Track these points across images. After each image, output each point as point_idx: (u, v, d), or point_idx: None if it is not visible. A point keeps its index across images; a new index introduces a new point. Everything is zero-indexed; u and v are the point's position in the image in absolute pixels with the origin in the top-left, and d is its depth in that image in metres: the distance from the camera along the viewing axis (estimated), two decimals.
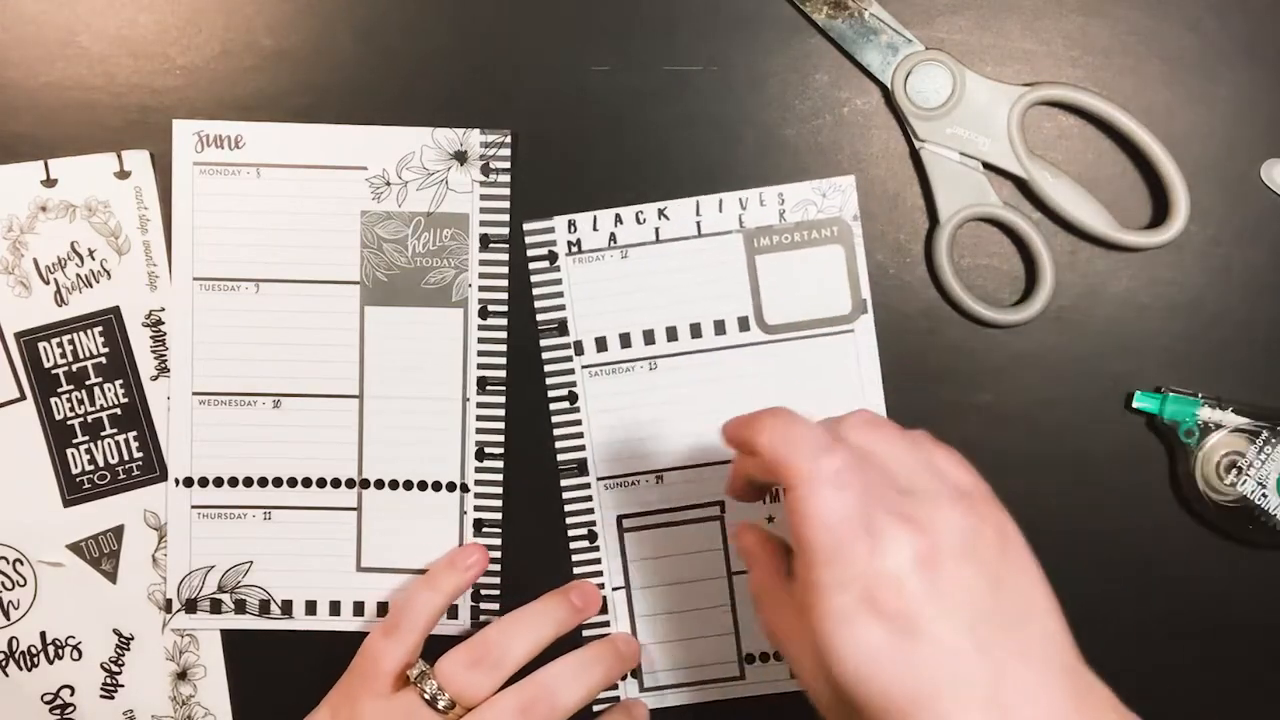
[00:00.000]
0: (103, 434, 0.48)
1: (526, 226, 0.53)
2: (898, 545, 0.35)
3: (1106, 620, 0.53)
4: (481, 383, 0.53)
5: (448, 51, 0.53)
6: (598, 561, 0.53)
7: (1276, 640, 0.53)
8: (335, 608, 0.54)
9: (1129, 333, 0.53)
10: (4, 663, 0.49)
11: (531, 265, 0.53)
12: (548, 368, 0.53)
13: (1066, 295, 0.53)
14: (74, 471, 0.48)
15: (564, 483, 0.53)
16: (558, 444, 0.53)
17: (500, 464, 0.53)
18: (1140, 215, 0.53)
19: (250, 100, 0.53)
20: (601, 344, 0.53)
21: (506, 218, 0.53)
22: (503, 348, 0.53)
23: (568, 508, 0.53)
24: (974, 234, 0.53)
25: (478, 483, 0.53)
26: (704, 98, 0.53)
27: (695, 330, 0.53)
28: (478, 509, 0.54)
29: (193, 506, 0.53)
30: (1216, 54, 0.52)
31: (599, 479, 0.53)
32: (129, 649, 0.50)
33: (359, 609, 0.54)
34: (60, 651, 0.49)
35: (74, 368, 0.48)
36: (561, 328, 0.53)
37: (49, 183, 0.48)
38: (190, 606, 0.54)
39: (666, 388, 0.53)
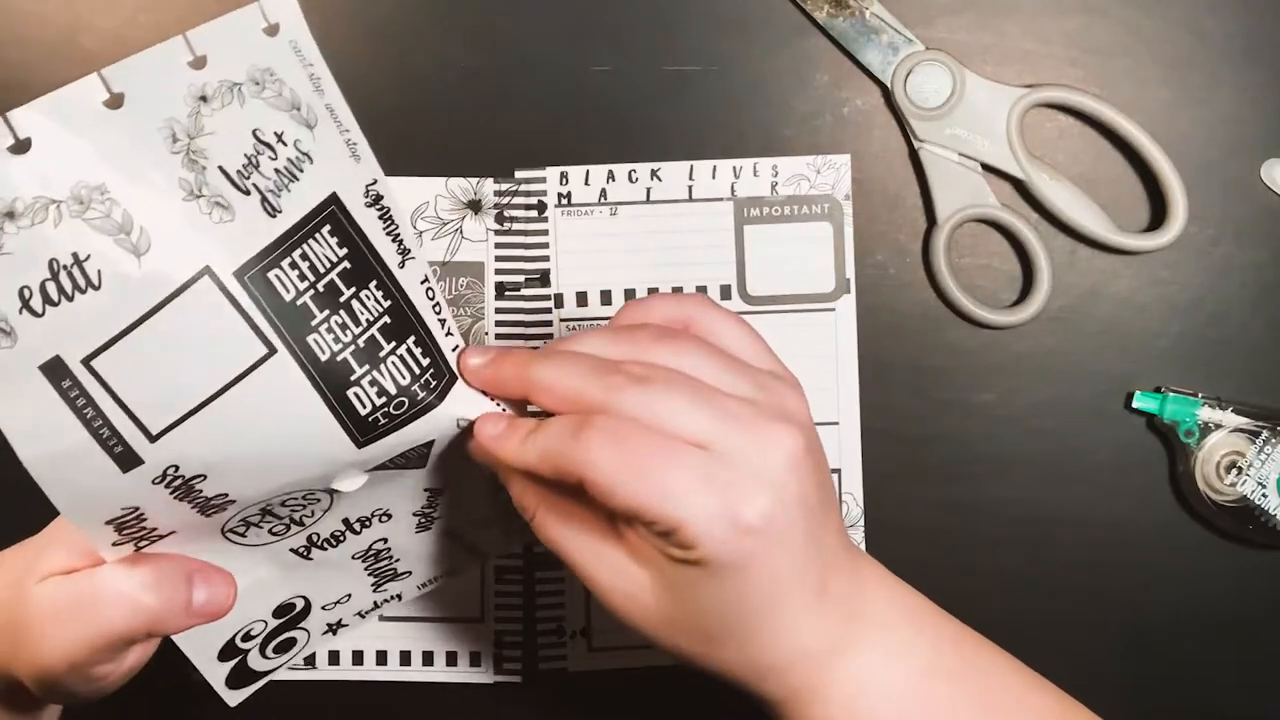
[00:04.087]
0: (381, 355, 0.35)
1: (518, 174, 0.53)
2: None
3: (1106, 620, 0.53)
4: None
5: (449, 54, 0.53)
6: None
7: (1277, 640, 0.53)
8: (358, 657, 0.54)
9: (1129, 333, 0.53)
10: (307, 552, 0.42)
11: (520, 214, 0.53)
12: (526, 318, 0.53)
13: (1066, 295, 0.53)
14: (362, 413, 0.35)
15: None
16: None
17: None
18: (1139, 217, 0.53)
19: None
20: (582, 299, 0.53)
21: (522, 265, 0.53)
22: None
23: None
24: (973, 234, 0.53)
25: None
26: (704, 98, 0.53)
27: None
28: (499, 556, 0.53)
29: None
30: (1216, 54, 0.52)
31: None
32: (442, 491, 0.42)
33: (381, 658, 0.54)
34: (367, 523, 0.42)
35: (320, 286, 0.34)
36: (544, 279, 0.53)
37: (197, 63, 0.34)
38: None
39: None
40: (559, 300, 0.53)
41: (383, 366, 0.35)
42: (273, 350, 0.33)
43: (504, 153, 0.53)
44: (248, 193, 0.33)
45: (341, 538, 0.42)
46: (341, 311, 0.34)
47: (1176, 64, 0.52)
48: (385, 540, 0.43)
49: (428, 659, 0.54)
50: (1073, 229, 0.52)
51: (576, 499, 0.36)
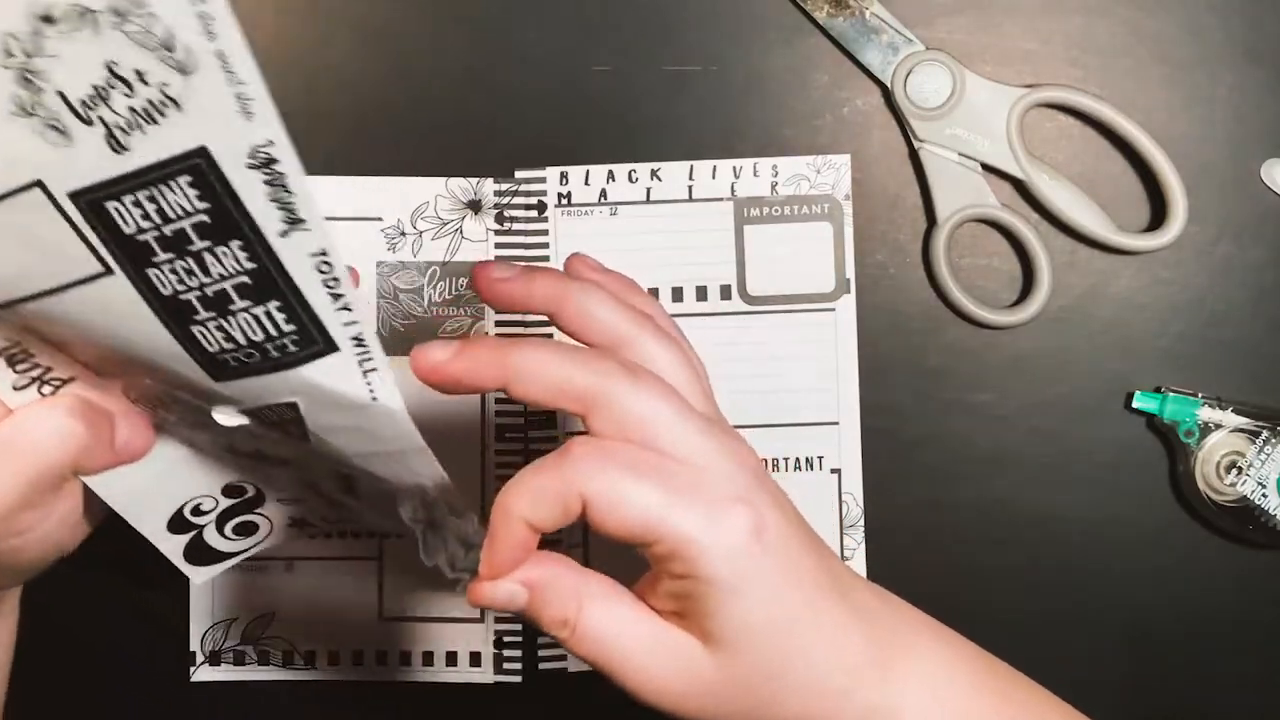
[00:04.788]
0: (231, 308, 0.33)
1: (518, 174, 0.53)
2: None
3: (1106, 620, 0.53)
4: (500, 430, 0.53)
5: (449, 54, 0.53)
6: None
7: (1277, 640, 0.53)
8: (358, 657, 0.54)
9: (1129, 333, 0.53)
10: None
11: (520, 214, 0.53)
12: (526, 318, 0.53)
13: (1066, 295, 0.53)
14: (210, 350, 0.34)
15: (531, 434, 0.53)
16: None
17: None
18: (1139, 217, 0.53)
19: None
20: None
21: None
22: None
23: (533, 460, 0.53)
24: (973, 234, 0.53)
25: None
26: (704, 98, 0.53)
27: (677, 294, 0.53)
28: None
29: None
30: (1216, 54, 0.52)
31: (567, 434, 0.53)
32: (357, 480, 0.41)
33: (381, 658, 0.54)
34: (283, 464, 0.41)
35: (167, 231, 0.32)
36: None
37: None
38: (214, 659, 0.54)
39: None
40: None
41: (231, 318, 0.33)
42: (109, 270, 0.32)
43: (504, 153, 0.53)
44: (90, 123, 0.31)
45: (263, 458, 0.41)
46: (189, 259, 0.33)
47: (1176, 64, 0.52)
48: (312, 487, 0.43)
49: (428, 659, 0.54)
50: (1073, 229, 0.52)
51: (604, 586, 0.35)
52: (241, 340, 0.34)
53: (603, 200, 0.53)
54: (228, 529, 0.44)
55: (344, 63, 0.53)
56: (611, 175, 0.53)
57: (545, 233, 0.53)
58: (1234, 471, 0.51)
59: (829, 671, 0.35)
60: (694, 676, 0.35)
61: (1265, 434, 0.51)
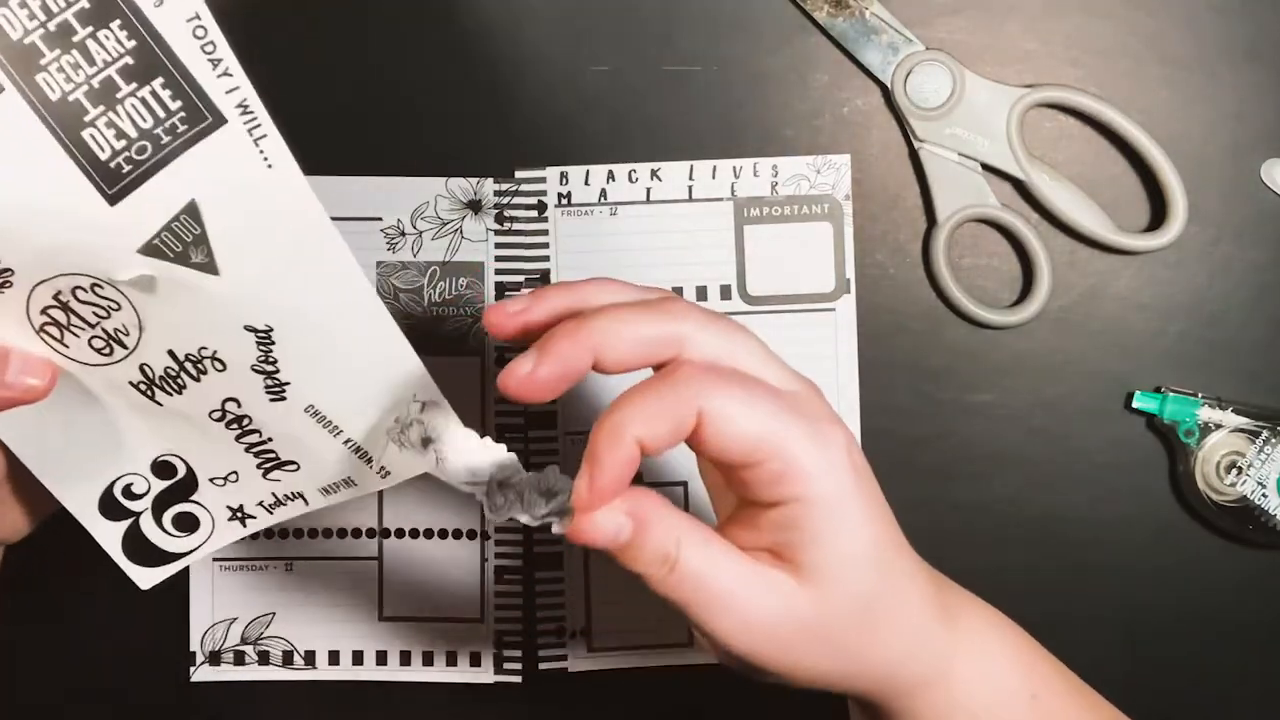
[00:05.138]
0: (119, 96, 0.34)
1: (518, 174, 0.53)
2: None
3: (1106, 619, 0.53)
4: (500, 431, 0.53)
5: (450, 54, 0.53)
6: None
7: (1277, 640, 0.53)
8: (358, 657, 0.54)
9: (1129, 333, 0.53)
10: (150, 391, 0.41)
11: (520, 214, 0.53)
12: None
13: (1066, 295, 0.53)
14: (102, 157, 0.34)
15: (531, 433, 0.53)
16: None
17: None
18: (1139, 218, 0.53)
19: None
20: None
21: (521, 265, 0.53)
22: None
23: (532, 459, 0.53)
24: (973, 234, 0.53)
25: (498, 530, 0.53)
26: (704, 98, 0.53)
27: (677, 294, 0.53)
28: (498, 556, 0.53)
29: (214, 560, 0.54)
30: (1216, 54, 0.52)
31: (566, 433, 0.53)
32: (272, 341, 0.40)
33: (381, 658, 0.54)
34: (200, 366, 0.40)
35: (51, 26, 0.33)
36: (544, 279, 0.53)
37: None
38: (214, 659, 0.54)
39: None
40: None
41: (120, 108, 0.34)
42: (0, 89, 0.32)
43: (504, 153, 0.53)
44: None
45: (178, 379, 0.40)
46: (74, 51, 0.33)
47: (1176, 64, 0.52)
48: (237, 402, 0.41)
49: (428, 659, 0.54)
50: (1073, 229, 0.52)
51: (696, 523, 0.34)
52: (132, 132, 0.34)
53: (603, 200, 0.53)
54: (166, 521, 0.44)
55: (344, 62, 0.53)
56: (611, 175, 0.53)
57: (545, 233, 0.53)
58: (1234, 471, 0.51)
59: (913, 609, 0.35)
60: (788, 613, 0.34)
61: (1265, 434, 0.51)
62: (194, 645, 0.54)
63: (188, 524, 0.44)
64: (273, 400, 0.41)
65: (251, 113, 0.34)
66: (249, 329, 0.39)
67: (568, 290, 0.36)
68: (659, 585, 0.33)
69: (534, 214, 0.53)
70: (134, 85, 0.34)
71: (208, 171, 0.35)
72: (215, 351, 0.39)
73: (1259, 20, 0.52)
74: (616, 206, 0.53)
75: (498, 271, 0.53)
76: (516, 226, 0.53)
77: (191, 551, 0.45)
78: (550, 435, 0.53)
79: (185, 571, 0.54)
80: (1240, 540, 0.52)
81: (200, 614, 0.54)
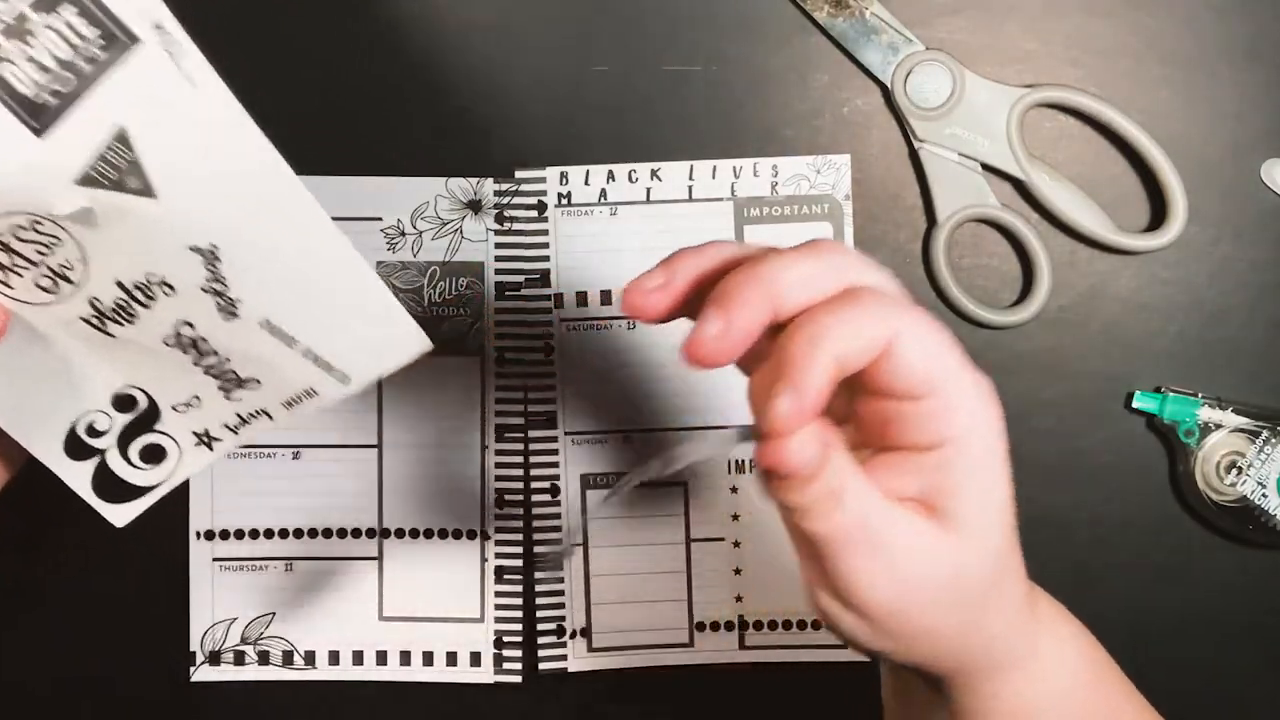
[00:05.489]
0: (31, 28, 0.34)
1: (518, 174, 0.53)
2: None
3: (1106, 619, 0.53)
4: (500, 430, 0.53)
5: (449, 54, 0.53)
6: (557, 516, 0.53)
7: (1277, 640, 0.53)
8: (358, 657, 0.54)
9: (1129, 333, 0.53)
10: (102, 324, 0.41)
11: (520, 214, 0.53)
12: (526, 318, 0.53)
13: (1066, 295, 0.53)
14: (25, 92, 0.34)
15: (531, 434, 0.53)
16: (529, 394, 0.53)
17: (520, 511, 0.53)
18: (1139, 217, 0.53)
19: None
20: (582, 299, 0.53)
21: (521, 265, 0.53)
22: (520, 395, 0.53)
23: (533, 459, 0.53)
24: (973, 234, 0.53)
25: (498, 530, 0.53)
26: (704, 98, 0.53)
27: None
28: (498, 556, 0.54)
29: (214, 560, 0.54)
30: (1216, 54, 0.52)
31: (566, 434, 0.53)
32: (218, 259, 0.40)
33: (381, 658, 0.54)
34: (149, 292, 0.40)
35: None
36: (544, 279, 0.53)
37: None
38: (214, 659, 0.54)
39: (644, 349, 0.53)
40: (559, 300, 0.53)
41: (34, 41, 0.34)
42: None
43: (504, 153, 0.53)
44: None
45: (129, 308, 0.40)
46: None
47: (1176, 64, 0.52)
48: (191, 325, 0.41)
49: (428, 659, 0.54)
50: (1073, 229, 0.52)
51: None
52: (52, 64, 0.34)
53: (603, 200, 0.53)
54: (132, 454, 0.43)
55: (344, 62, 0.53)
56: (611, 175, 0.53)
57: (545, 233, 0.53)
58: (1234, 471, 0.51)
59: (1019, 583, 0.35)
60: (932, 563, 0.32)
61: (1265, 434, 0.51)
62: (194, 645, 0.54)
63: (154, 455, 0.44)
64: (226, 319, 0.40)
65: (167, 32, 0.34)
66: (194, 250, 0.39)
67: (695, 254, 0.34)
68: (819, 520, 0.31)
69: (534, 214, 0.53)
70: (43, 15, 0.34)
71: (131, 95, 0.35)
72: (163, 276, 0.39)
73: (1259, 20, 0.52)
74: (616, 206, 0.53)
75: (498, 271, 0.53)
76: (516, 226, 0.53)
77: (161, 483, 0.44)
78: (551, 435, 0.53)
79: (185, 571, 0.54)
80: (1240, 540, 0.52)
81: (200, 614, 0.54)
